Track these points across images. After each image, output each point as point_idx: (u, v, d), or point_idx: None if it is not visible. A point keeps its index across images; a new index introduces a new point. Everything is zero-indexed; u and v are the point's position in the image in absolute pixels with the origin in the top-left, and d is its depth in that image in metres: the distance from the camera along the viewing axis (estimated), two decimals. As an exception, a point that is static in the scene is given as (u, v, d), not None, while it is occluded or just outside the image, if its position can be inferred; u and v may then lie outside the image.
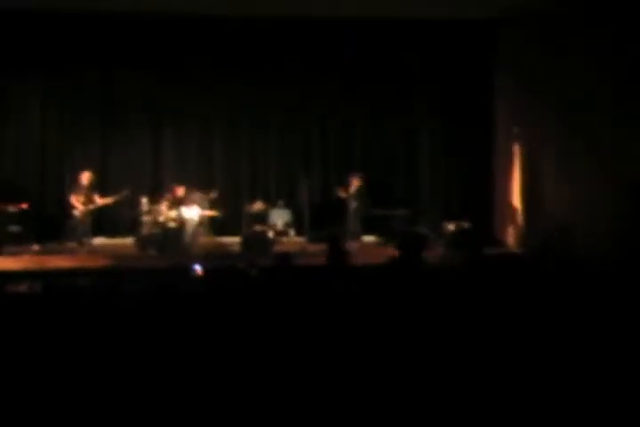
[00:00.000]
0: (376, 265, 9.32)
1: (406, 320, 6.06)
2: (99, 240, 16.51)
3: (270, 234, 16.08)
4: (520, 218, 16.59)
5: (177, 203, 16.01)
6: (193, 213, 15.88)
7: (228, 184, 17.50)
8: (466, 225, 15.83)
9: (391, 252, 12.45)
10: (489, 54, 17.64)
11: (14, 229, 15.56)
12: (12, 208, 15.62)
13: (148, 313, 6.25)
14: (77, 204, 15.64)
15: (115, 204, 16.06)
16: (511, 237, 16.88)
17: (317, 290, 7.45)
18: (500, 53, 17.51)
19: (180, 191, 16.21)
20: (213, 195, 16.44)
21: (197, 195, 16.25)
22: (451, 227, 15.85)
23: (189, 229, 15.91)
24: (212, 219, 16.59)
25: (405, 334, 5.77)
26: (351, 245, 15.54)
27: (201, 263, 10.24)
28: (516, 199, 16.79)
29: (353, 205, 16.80)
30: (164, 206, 15.88)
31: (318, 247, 15.98)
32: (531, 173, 16.19)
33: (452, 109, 17.92)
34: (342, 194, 16.87)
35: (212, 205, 16.42)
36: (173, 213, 15.84)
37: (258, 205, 16.75)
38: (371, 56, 17.62)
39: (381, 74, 17.77)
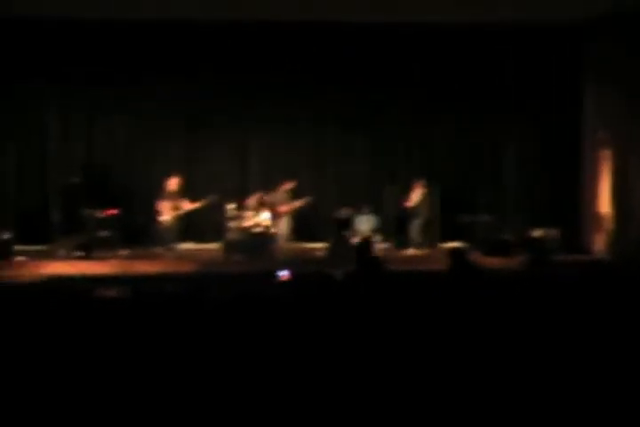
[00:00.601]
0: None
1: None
2: (186, 245, 16.67)
3: (356, 240, 16.07)
4: (609, 225, 16.33)
5: (263, 208, 16.13)
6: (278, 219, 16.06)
7: (314, 190, 17.50)
8: (552, 232, 15.63)
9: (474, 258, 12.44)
10: (575, 59, 17.42)
11: (103, 234, 15.81)
12: (101, 214, 15.88)
13: (233, 319, 6.29)
14: (165, 209, 15.82)
15: (201, 209, 16.19)
16: (599, 244, 16.61)
17: (404, 295, 7.44)
18: (587, 58, 17.28)
19: (266, 198, 16.32)
20: (307, 201, 16.56)
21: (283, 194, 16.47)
22: (536, 233, 15.66)
23: (275, 234, 16.04)
24: (298, 225, 16.69)
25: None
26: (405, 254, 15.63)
27: (287, 269, 10.27)
28: (605, 205, 16.53)
29: (418, 212, 16.75)
30: (250, 212, 16.01)
31: (404, 253, 16.05)
32: (620, 179, 15.95)
33: (538, 114, 17.71)
34: (408, 204, 16.82)
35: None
36: (260, 219, 15.96)
37: (344, 211, 16.76)
38: (457, 63, 17.54)
39: (467, 80, 17.67)
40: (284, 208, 16.42)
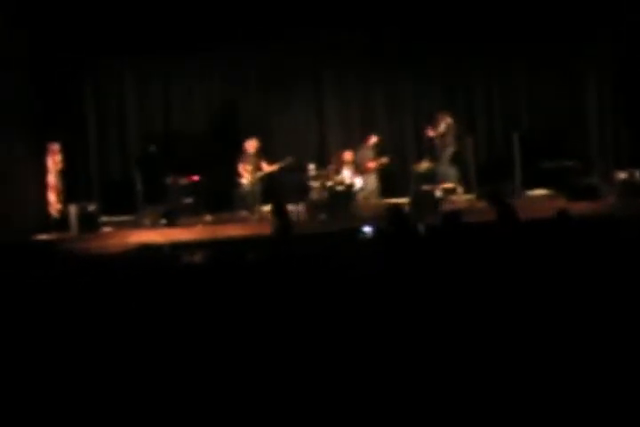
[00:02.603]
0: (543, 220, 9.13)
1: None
2: (269, 207, 16.70)
3: (438, 192, 15.98)
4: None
5: (344, 166, 16.13)
6: (360, 176, 16.06)
7: (393, 145, 17.38)
8: (637, 173, 15.33)
9: (560, 204, 12.26)
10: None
11: (187, 200, 15.92)
12: (184, 181, 15.99)
13: (316, 277, 6.30)
14: (245, 172, 15.89)
15: (282, 170, 16.21)
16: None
17: (487, 247, 7.37)
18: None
19: (347, 155, 16.30)
20: (386, 160, 16.50)
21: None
22: (622, 176, 15.37)
23: (358, 191, 16.04)
24: (383, 181, 16.66)
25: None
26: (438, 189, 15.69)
27: (371, 225, 10.26)
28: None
29: (443, 144, 16.56)
30: (331, 170, 16.02)
31: (487, 204, 15.88)
32: None
33: (619, 56, 17.34)
34: (431, 133, 16.62)
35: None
36: (341, 177, 15.97)
37: (424, 164, 16.65)
38: (531, 11, 17.10)
39: (544, 28, 17.25)
40: (370, 164, 16.36)
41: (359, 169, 16.30)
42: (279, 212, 10.46)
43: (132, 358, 4.99)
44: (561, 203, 14.15)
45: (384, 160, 16.48)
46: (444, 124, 16.58)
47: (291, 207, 16.69)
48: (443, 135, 16.59)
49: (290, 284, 6.20)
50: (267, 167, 16.06)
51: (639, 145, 17.08)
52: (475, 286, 5.86)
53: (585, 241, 7.49)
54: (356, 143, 16.78)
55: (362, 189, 16.26)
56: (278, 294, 5.91)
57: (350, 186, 15.99)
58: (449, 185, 16.48)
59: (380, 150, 16.62)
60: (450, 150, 16.68)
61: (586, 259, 6.58)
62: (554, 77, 17.78)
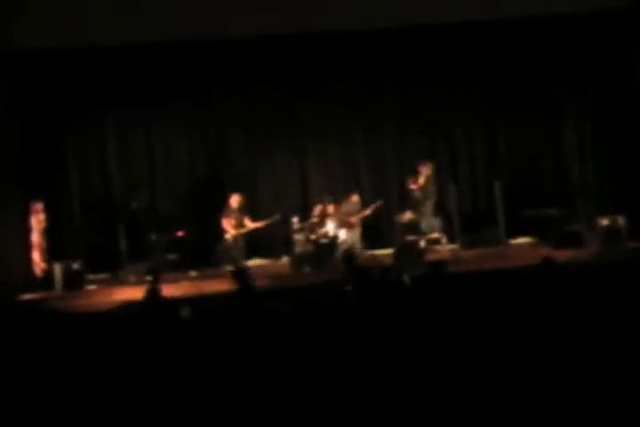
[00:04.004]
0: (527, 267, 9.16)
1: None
2: (254, 262, 16.71)
3: (422, 243, 16.01)
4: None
5: (327, 219, 16.18)
6: (343, 229, 16.09)
7: (376, 197, 17.42)
8: (620, 220, 15.38)
9: (545, 252, 12.31)
10: (630, 45, 17.11)
11: (172, 256, 15.91)
12: (168, 237, 15.99)
13: (303, 330, 6.29)
14: (229, 227, 15.91)
15: (266, 227, 16.25)
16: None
17: (473, 296, 7.37)
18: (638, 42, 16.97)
19: (330, 208, 16.34)
20: (378, 206, 16.56)
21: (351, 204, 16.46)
22: (604, 222, 15.42)
23: (342, 244, 16.04)
24: (367, 232, 16.69)
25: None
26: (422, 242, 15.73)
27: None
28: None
29: (425, 196, 16.63)
30: (314, 224, 16.05)
31: (472, 253, 15.90)
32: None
33: (596, 102, 17.49)
34: (412, 186, 16.68)
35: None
36: (325, 230, 16.00)
37: (408, 215, 16.69)
38: (510, 56, 17.27)
39: (522, 73, 17.41)
40: (353, 219, 16.37)
41: (343, 224, 16.31)
42: (239, 277, 10.59)
43: (119, 414, 4.96)
44: (545, 251, 14.18)
45: (369, 210, 16.50)
46: (425, 175, 16.66)
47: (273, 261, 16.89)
48: (424, 187, 16.65)
49: (272, 339, 6.19)
50: (251, 224, 16.08)
51: (621, 191, 17.16)
52: (461, 335, 5.86)
53: (570, 288, 7.51)
54: (339, 196, 16.80)
55: (345, 241, 16.25)
56: (265, 349, 5.90)
57: (334, 238, 16.01)
58: (433, 236, 16.51)
59: (362, 206, 16.64)
60: (432, 201, 16.73)
61: (571, 306, 6.59)
62: (534, 123, 17.87)
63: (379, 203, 16.50)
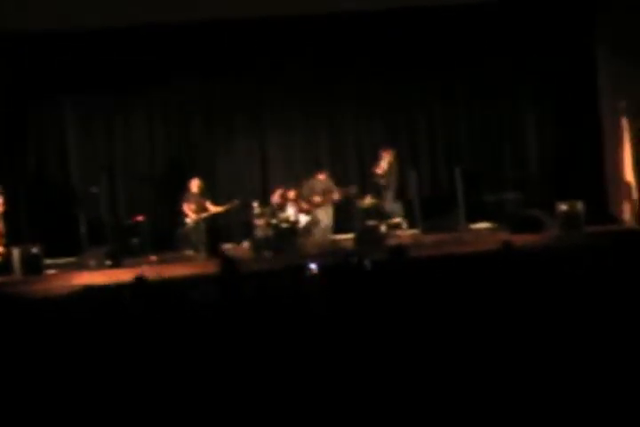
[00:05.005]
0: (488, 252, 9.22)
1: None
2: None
3: (383, 228, 16.03)
4: (635, 193, 16.21)
5: (287, 203, 16.16)
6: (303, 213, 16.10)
7: (337, 181, 17.40)
8: (579, 205, 15.50)
9: (504, 237, 12.39)
10: (588, 28, 17.18)
11: (132, 241, 15.86)
12: (128, 221, 15.94)
13: (263, 316, 6.29)
14: (189, 212, 15.86)
15: (226, 212, 16.22)
16: (627, 213, 16.48)
17: (433, 281, 7.42)
18: (600, 26, 17.06)
19: (291, 193, 16.31)
20: (352, 190, 16.56)
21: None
22: (563, 207, 15.52)
23: (302, 228, 16.05)
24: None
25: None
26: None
27: (315, 262, 10.26)
28: (629, 174, 16.41)
29: (387, 181, 16.72)
30: (275, 209, 16.04)
31: (432, 238, 15.97)
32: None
33: (554, 88, 17.60)
34: (377, 170, 16.76)
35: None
36: (285, 214, 15.98)
37: (368, 200, 16.70)
38: (468, 40, 17.28)
39: (481, 57, 17.48)
40: (318, 197, 16.29)
41: (307, 203, 16.27)
42: (215, 251, 10.56)
43: (82, 402, 4.95)
44: (504, 235, 14.28)
45: (337, 195, 16.47)
46: (387, 161, 16.70)
47: (234, 245, 16.84)
48: (386, 173, 16.69)
49: (240, 323, 6.19)
50: (212, 208, 16.04)
51: (579, 175, 17.30)
52: (422, 319, 5.89)
53: (529, 273, 7.56)
54: (300, 180, 16.77)
55: (315, 223, 16.20)
56: (225, 334, 5.90)
57: (295, 223, 16.00)
58: (394, 221, 16.56)
59: (331, 184, 16.59)
60: (393, 187, 16.78)
61: (530, 290, 6.64)
62: (493, 108, 17.97)
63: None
